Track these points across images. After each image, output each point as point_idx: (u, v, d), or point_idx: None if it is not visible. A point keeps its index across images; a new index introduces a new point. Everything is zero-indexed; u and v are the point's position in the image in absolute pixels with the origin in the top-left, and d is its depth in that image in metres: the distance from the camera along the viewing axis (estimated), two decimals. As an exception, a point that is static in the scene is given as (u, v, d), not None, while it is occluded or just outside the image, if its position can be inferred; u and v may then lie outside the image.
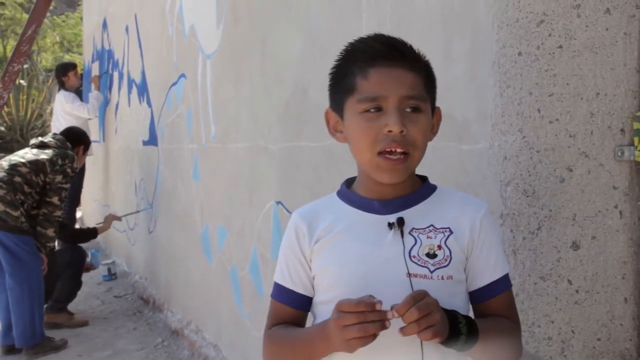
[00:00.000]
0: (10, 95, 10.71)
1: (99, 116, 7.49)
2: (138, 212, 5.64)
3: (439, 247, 1.21)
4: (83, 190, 7.41)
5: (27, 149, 4.48)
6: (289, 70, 2.77)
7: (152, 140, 5.23)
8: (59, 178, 4.32)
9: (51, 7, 9.68)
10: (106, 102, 7.29)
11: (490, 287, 1.25)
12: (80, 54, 14.73)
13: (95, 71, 8.16)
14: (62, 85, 7.05)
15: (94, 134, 7.39)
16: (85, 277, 5.33)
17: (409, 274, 1.18)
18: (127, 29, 6.17)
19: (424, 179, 1.33)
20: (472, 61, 1.67)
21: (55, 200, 4.32)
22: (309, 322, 1.33)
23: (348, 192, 1.32)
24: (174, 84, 4.52)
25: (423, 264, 1.20)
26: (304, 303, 1.32)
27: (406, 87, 1.20)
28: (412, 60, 1.23)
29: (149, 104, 5.31)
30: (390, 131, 1.17)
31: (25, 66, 12.17)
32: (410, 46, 1.25)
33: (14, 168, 4.19)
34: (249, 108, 3.20)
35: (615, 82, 1.40)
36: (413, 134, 1.19)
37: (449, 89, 1.68)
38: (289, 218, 1.37)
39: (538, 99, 1.45)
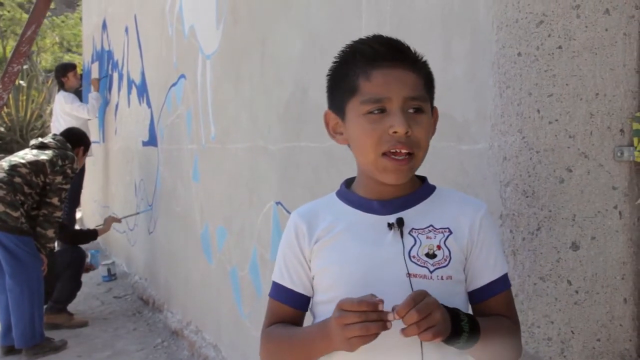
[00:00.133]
0: (10, 96, 10.72)
1: (99, 117, 7.49)
2: (138, 213, 5.64)
3: (439, 247, 1.22)
4: (83, 191, 7.42)
5: (27, 150, 4.48)
6: (289, 71, 2.77)
7: (151, 141, 5.23)
8: (59, 179, 4.32)
9: (51, 7, 9.67)
10: (106, 103, 7.29)
11: (489, 286, 1.25)
12: (80, 53, 14.74)
13: (95, 72, 8.16)
14: (62, 86, 7.05)
15: (93, 135, 7.39)
16: (85, 277, 5.33)
17: (409, 274, 1.19)
18: (126, 30, 6.17)
19: (423, 179, 1.33)
20: (472, 61, 1.68)
21: (55, 201, 4.31)
22: (307, 322, 1.33)
23: (347, 192, 1.32)
24: (174, 84, 4.52)
25: (423, 264, 1.20)
26: (302, 302, 1.32)
27: (409, 88, 1.20)
28: (413, 61, 1.24)
29: (149, 105, 5.31)
30: (395, 132, 1.18)
31: (24, 67, 12.17)
32: (411, 47, 1.25)
33: (14, 169, 4.19)
34: (249, 108, 3.20)
35: (615, 82, 1.40)
36: (417, 134, 1.20)
37: (449, 90, 1.68)
38: (288, 218, 1.37)
39: (537, 100, 1.46)
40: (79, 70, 7.84)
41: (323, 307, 1.26)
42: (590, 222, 1.41)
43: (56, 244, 4.82)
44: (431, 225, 1.24)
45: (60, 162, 4.35)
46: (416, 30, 1.89)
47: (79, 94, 7.77)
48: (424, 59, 1.27)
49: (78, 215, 8.32)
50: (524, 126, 1.48)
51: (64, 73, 7.04)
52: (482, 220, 1.25)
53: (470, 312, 1.26)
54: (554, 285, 1.44)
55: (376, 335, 1.08)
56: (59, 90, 7.17)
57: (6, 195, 4.08)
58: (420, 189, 1.29)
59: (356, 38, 1.29)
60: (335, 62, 1.29)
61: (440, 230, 1.23)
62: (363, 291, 1.13)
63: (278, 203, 2.85)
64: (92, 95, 7.08)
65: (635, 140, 1.38)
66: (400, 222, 1.22)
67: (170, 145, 4.66)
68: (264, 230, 3.00)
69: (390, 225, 1.23)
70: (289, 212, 2.69)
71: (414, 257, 1.20)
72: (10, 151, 9.41)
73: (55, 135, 4.79)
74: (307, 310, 1.34)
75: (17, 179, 4.16)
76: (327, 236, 1.28)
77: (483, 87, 1.62)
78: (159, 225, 5.07)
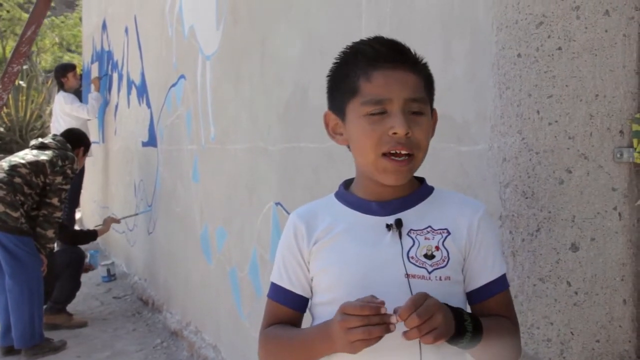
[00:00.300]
0: (10, 96, 10.71)
1: (99, 117, 7.49)
2: (137, 214, 5.64)
3: (437, 248, 1.22)
4: (82, 191, 7.41)
5: (27, 150, 4.48)
6: (289, 71, 2.77)
7: (151, 142, 5.23)
8: (59, 179, 4.32)
9: (50, 7, 9.67)
10: (105, 103, 7.29)
11: (487, 287, 1.26)
12: (80, 53, 14.73)
13: (94, 72, 8.16)
14: (62, 86, 7.05)
15: (93, 135, 7.39)
16: (85, 278, 5.33)
17: (407, 275, 1.19)
18: (126, 30, 6.17)
19: (421, 180, 1.33)
20: (472, 62, 1.68)
21: (55, 201, 4.31)
22: (306, 323, 1.33)
23: (346, 193, 1.32)
24: (174, 85, 4.52)
25: (421, 265, 1.20)
26: (300, 304, 1.32)
27: (409, 89, 1.21)
28: (413, 62, 1.24)
29: (149, 105, 5.31)
30: (395, 133, 1.18)
31: (24, 67, 12.16)
32: (411, 49, 1.26)
33: (14, 169, 4.19)
34: (249, 109, 3.20)
35: (615, 83, 1.40)
36: (417, 135, 1.20)
37: (449, 90, 1.68)
38: (288, 219, 1.37)
39: (537, 101, 1.46)
40: (78, 71, 7.84)
41: (322, 308, 1.26)
42: (590, 224, 1.41)
43: (56, 244, 4.81)
44: (429, 226, 1.24)
45: (60, 163, 4.35)
46: (416, 31, 1.89)
47: (78, 94, 7.76)
48: (424, 61, 1.28)
49: (77, 215, 8.31)
50: (524, 127, 1.48)
51: (63, 73, 7.04)
52: (481, 221, 1.26)
53: (469, 312, 1.26)
54: (554, 287, 1.44)
55: (379, 338, 1.08)
56: (58, 91, 7.17)
57: (6, 196, 4.08)
58: (419, 190, 1.30)
59: (356, 38, 1.29)
60: (335, 63, 1.29)
61: (439, 231, 1.24)
62: (362, 292, 1.13)
63: (278, 204, 2.85)
64: (92, 96, 7.08)
65: (635, 141, 1.38)
66: (398, 223, 1.22)
67: (170, 146, 4.66)
68: (263, 230, 3.00)
69: (388, 227, 1.23)
70: (288, 213, 2.69)
71: (412, 258, 1.21)
72: (10, 151, 9.41)
73: (55, 135, 4.79)
74: (305, 312, 1.34)
75: (17, 179, 4.16)
76: (326, 237, 1.28)
77: (483, 88, 1.62)
78: (158, 225, 5.07)
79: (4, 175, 4.15)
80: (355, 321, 1.08)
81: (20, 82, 12.85)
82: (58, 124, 6.84)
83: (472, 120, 1.68)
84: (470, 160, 1.68)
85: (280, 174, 2.86)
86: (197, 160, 4.01)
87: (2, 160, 4.40)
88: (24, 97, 13.32)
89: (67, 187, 4.43)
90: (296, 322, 1.33)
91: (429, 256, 1.21)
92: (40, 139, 4.63)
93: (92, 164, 7.79)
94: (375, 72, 1.21)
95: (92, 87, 7.30)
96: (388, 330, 1.08)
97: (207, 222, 3.86)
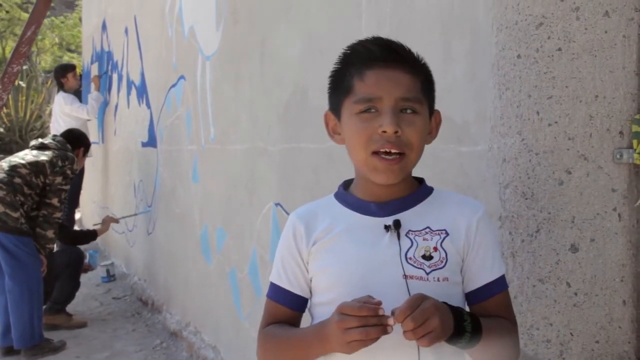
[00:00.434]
0: (10, 96, 10.71)
1: (98, 117, 7.49)
2: (136, 214, 5.64)
3: (435, 249, 1.22)
4: (82, 191, 7.41)
5: (26, 151, 4.48)
6: (289, 72, 2.77)
7: (151, 142, 5.23)
8: (58, 179, 4.32)
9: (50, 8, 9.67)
10: (105, 104, 7.28)
11: (486, 288, 1.26)
12: (80, 53, 14.74)
13: (94, 73, 8.16)
14: (61, 87, 7.05)
15: (93, 136, 7.39)
16: (84, 278, 5.33)
17: (405, 276, 1.19)
18: (126, 31, 6.17)
19: (420, 180, 1.33)
20: (472, 63, 1.68)
21: (55, 201, 4.31)
22: (304, 323, 1.33)
23: (345, 194, 1.33)
24: (173, 85, 4.52)
25: (419, 266, 1.20)
26: (299, 304, 1.33)
27: (402, 88, 1.21)
28: (409, 62, 1.24)
29: (148, 106, 5.31)
30: (384, 132, 1.18)
31: (24, 67, 12.16)
32: (409, 49, 1.26)
33: (13, 169, 4.19)
34: (249, 109, 3.20)
35: (614, 84, 1.40)
36: (408, 135, 1.20)
37: (448, 91, 1.68)
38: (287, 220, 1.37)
39: (537, 102, 1.46)
40: (78, 71, 7.84)
41: (321, 309, 1.26)
42: (590, 224, 1.41)
43: (55, 244, 4.81)
44: (428, 227, 1.24)
45: (60, 163, 4.35)
46: (416, 32, 1.89)
47: (78, 94, 7.76)
48: (422, 61, 1.28)
49: (77, 216, 8.31)
50: (524, 128, 1.48)
51: (63, 74, 7.04)
52: (480, 222, 1.26)
53: (468, 313, 1.26)
54: (553, 287, 1.44)
55: (376, 339, 1.09)
56: (58, 91, 7.17)
57: (6, 196, 4.08)
58: (418, 191, 1.30)
59: (356, 39, 1.29)
60: (335, 64, 1.30)
61: (437, 232, 1.24)
62: (361, 293, 1.14)
63: (277, 204, 2.85)
64: (92, 96, 7.08)
65: (635, 142, 1.38)
66: (397, 224, 1.23)
67: (170, 146, 4.66)
68: (263, 231, 3.00)
69: (387, 228, 1.23)
70: (288, 214, 2.69)
71: (410, 258, 1.21)
72: (10, 152, 9.41)
73: (55, 136, 4.79)
74: (304, 312, 1.34)
75: (17, 180, 4.16)
76: (325, 238, 1.28)
77: (483, 88, 1.62)
78: (158, 226, 5.06)
79: (4, 175, 4.15)
80: (353, 322, 1.08)
81: (20, 83, 12.86)
82: (58, 125, 6.84)
83: (472, 120, 1.68)
84: (470, 161, 1.68)
85: (280, 174, 2.86)
86: (196, 160, 4.01)
87: (2, 161, 4.40)
88: (24, 98, 13.32)
89: (67, 187, 4.43)
90: (295, 322, 1.34)
91: (427, 257, 1.21)
92: (40, 140, 4.63)
93: (91, 165, 7.78)
94: (368, 72, 1.22)
95: (92, 86, 7.29)
96: (385, 332, 1.08)
97: (206, 223, 3.86)
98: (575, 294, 1.43)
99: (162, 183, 4.90)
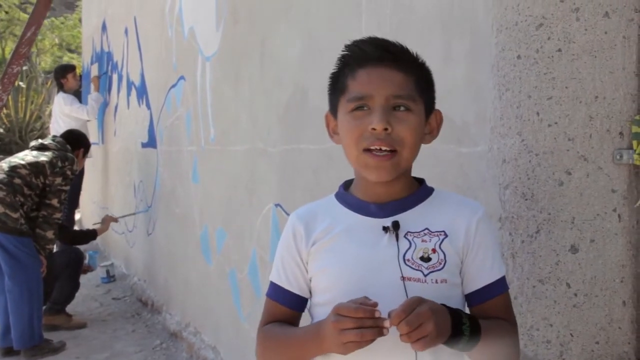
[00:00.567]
0: (9, 97, 10.71)
1: (98, 118, 7.49)
2: (135, 214, 5.64)
3: (434, 250, 1.22)
4: (82, 192, 7.41)
5: (26, 151, 4.49)
6: (289, 72, 2.77)
7: (151, 142, 5.23)
8: (58, 180, 4.32)
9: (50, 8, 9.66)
10: (105, 104, 7.28)
11: (485, 289, 1.25)
12: (80, 53, 14.74)
13: (94, 73, 8.15)
14: (61, 87, 7.05)
15: (93, 136, 7.39)
16: (84, 279, 5.33)
17: (403, 278, 1.19)
18: (126, 31, 6.17)
19: (421, 181, 1.33)
20: (471, 64, 1.68)
21: (54, 202, 4.31)
22: (304, 323, 1.33)
23: (345, 194, 1.33)
24: (173, 86, 4.52)
25: (417, 268, 1.20)
26: (298, 303, 1.33)
27: (393, 86, 1.21)
28: (401, 61, 1.24)
29: (148, 106, 5.31)
30: (374, 129, 1.19)
31: (24, 68, 12.16)
32: (404, 48, 1.26)
33: (13, 170, 4.19)
34: (248, 110, 3.20)
35: (614, 85, 1.40)
36: (399, 132, 1.20)
37: (448, 92, 1.68)
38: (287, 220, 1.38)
39: (537, 102, 1.46)
40: (78, 72, 7.83)
41: (320, 309, 1.26)
42: (590, 225, 1.41)
43: (55, 245, 4.81)
44: (427, 229, 1.24)
45: (60, 164, 4.35)
46: (416, 32, 1.89)
47: (78, 95, 7.76)
48: (420, 60, 1.28)
49: (77, 216, 8.31)
50: (524, 129, 1.48)
51: (63, 74, 7.03)
52: (479, 223, 1.25)
53: (468, 314, 1.26)
54: (553, 288, 1.44)
55: (371, 340, 1.09)
56: (58, 92, 7.16)
57: (6, 197, 4.08)
58: (418, 192, 1.30)
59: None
60: (335, 65, 1.30)
61: (436, 233, 1.23)
62: (359, 294, 1.14)
63: (277, 205, 2.85)
64: (92, 97, 7.08)
65: (635, 143, 1.38)
66: (395, 226, 1.22)
67: (170, 147, 4.66)
68: (263, 232, 3.00)
69: (385, 229, 1.23)
70: (288, 214, 2.68)
71: (408, 260, 1.21)
72: (10, 152, 9.41)
73: (55, 136, 4.79)
74: (303, 311, 1.35)
75: (17, 180, 4.16)
76: (324, 238, 1.28)
77: (482, 89, 1.62)
78: (158, 226, 5.06)
79: (4, 176, 4.15)
80: (349, 323, 1.09)
81: (20, 83, 12.86)
82: (57, 125, 6.84)
83: (471, 121, 1.68)
84: (470, 162, 1.68)
85: (280, 175, 2.86)
86: (196, 161, 4.01)
87: (2, 161, 4.40)
88: (24, 98, 13.32)
89: (67, 188, 4.43)
90: (294, 321, 1.34)
91: (425, 259, 1.21)
92: (40, 140, 4.63)
93: (91, 165, 7.78)
94: (361, 70, 1.23)
95: (92, 87, 7.29)
96: (381, 334, 1.08)
97: (206, 223, 3.86)
98: (575, 294, 1.43)
99: (162, 184, 4.90)
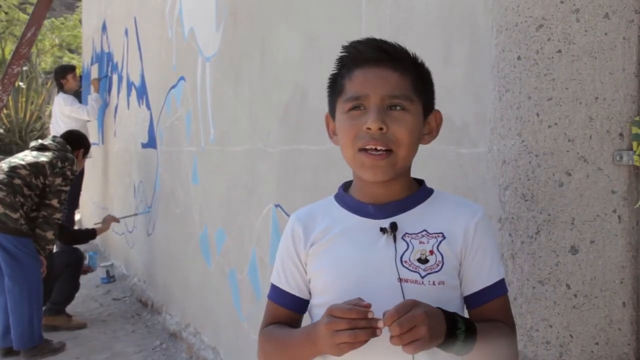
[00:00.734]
0: (10, 97, 10.71)
1: (98, 119, 7.49)
2: (136, 215, 5.64)
3: (431, 252, 1.21)
4: (82, 192, 7.41)
5: (26, 152, 4.49)
6: (289, 73, 2.78)
7: (151, 143, 5.23)
8: (58, 180, 4.32)
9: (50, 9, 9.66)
10: (105, 105, 7.29)
11: (484, 292, 1.25)
12: (80, 53, 14.74)
13: (94, 73, 8.16)
14: (61, 88, 7.05)
15: (93, 137, 7.39)
16: (84, 279, 5.32)
17: (400, 279, 1.19)
18: (126, 32, 6.17)
19: (421, 182, 1.33)
20: (471, 65, 1.68)
21: (54, 202, 4.31)
22: (305, 324, 1.34)
23: (344, 195, 1.33)
24: (173, 86, 4.52)
25: (414, 269, 1.20)
26: (299, 305, 1.33)
27: (389, 86, 1.21)
28: (398, 61, 1.24)
29: (148, 107, 5.31)
30: (369, 128, 1.19)
31: (24, 69, 12.17)
32: (401, 48, 1.26)
33: (13, 170, 4.19)
34: (248, 111, 3.20)
35: (614, 86, 1.40)
36: (394, 131, 1.20)
37: (448, 93, 1.68)
38: (287, 221, 1.38)
39: (537, 103, 1.46)
40: (78, 72, 7.83)
41: (319, 310, 1.26)
42: (589, 226, 1.41)
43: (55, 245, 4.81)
44: (425, 230, 1.23)
45: (60, 164, 4.35)
46: (416, 33, 1.89)
47: (78, 95, 7.76)
48: (418, 60, 1.27)
49: (77, 217, 8.31)
50: (524, 130, 1.48)
51: (63, 75, 7.03)
52: (478, 225, 1.25)
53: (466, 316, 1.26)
54: (553, 289, 1.44)
55: (365, 342, 1.09)
56: (58, 92, 7.16)
57: (6, 197, 4.08)
58: (417, 193, 1.29)
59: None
60: (333, 66, 1.31)
61: (434, 235, 1.23)
62: (356, 295, 1.14)
63: (277, 206, 2.85)
64: (92, 97, 7.08)
65: (635, 144, 1.38)
66: (393, 227, 1.22)
67: (170, 147, 4.66)
68: (263, 232, 3.00)
69: (383, 230, 1.23)
70: (288, 215, 2.69)
71: (405, 262, 1.20)
72: (10, 153, 9.41)
73: (55, 137, 4.79)
74: (304, 313, 1.35)
75: (17, 181, 4.16)
76: (323, 239, 1.28)
77: (482, 90, 1.62)
78: (158, 227, 5.06)
79: (4, 176, 4.15)
80: (342, 324, 1.09)
81: (20, 84, 12.86)
82: (57, 126, 6.83)
83: (471, 122, 1.68)
84: (470, 163, 1.68)
85: (279, 175, 2.86)
86: (196, 161, 4.01)
87: (2, 162, 4.40)
88: (24, 99, 13.33)
89: (67, 188, 4.43)
90: (295, 323, 1.34)
91: (423, 260, 1.21)
92: (40, 141, 4.63)
93: (91, 165, 7.78)
94: (357, 71, 1.23)
95: (92, 88, 7.29)
96: (374, 335, 1.08)
97: (206, 224, 3.86)
98: (575, 295, 1.43)
99: (162, 184, 4.90)
